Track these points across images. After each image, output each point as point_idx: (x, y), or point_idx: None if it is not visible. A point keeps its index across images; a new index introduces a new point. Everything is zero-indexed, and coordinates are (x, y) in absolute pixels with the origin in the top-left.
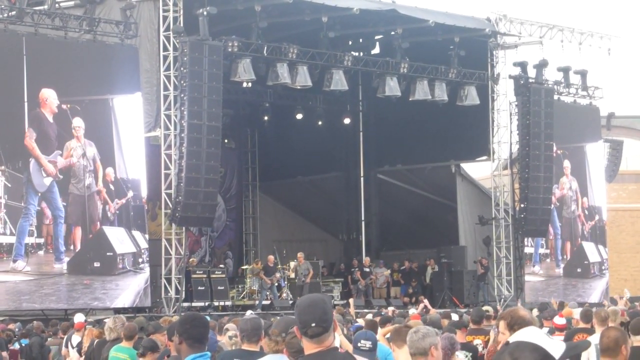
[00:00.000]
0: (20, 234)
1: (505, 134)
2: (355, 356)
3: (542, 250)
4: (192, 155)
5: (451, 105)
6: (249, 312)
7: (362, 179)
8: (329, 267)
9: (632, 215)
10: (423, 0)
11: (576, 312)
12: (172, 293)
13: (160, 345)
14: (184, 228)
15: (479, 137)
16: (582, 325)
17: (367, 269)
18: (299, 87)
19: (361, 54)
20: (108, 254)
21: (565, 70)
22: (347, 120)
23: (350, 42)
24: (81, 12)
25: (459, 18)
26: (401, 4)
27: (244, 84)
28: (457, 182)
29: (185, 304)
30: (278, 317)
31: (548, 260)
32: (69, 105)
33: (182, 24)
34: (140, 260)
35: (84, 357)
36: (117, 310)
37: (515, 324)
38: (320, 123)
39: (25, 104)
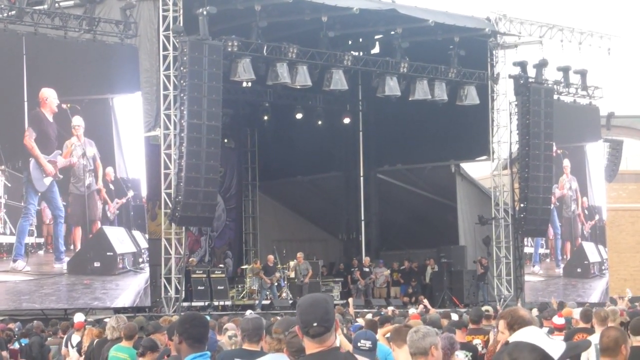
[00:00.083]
0: (20, 234)
1: (505, 134)
2: (357, 356)
3: (542, 250)
4: (191, 154)
5: (451, 105)
6: (248, 312)
7: (361, 178)
8: (329, 267)
9: (632, 215)
10: (423, 0)
11: (576, 312)
12: (172, 293)
13: (159, 344)
14: (183, 228)
15: (478, 137)
16: (581, 325)
17: (367, 269)
18: (298, 87)
19: (361, 53)
20: (108, 253)
21: (565, 70)
22: (346, 120)
23: (350, 42)
24: (81, 11)
25: (458, 18)
26: (401, 3)
27: (244, 84)
28: (457, 181)
29: (185, 304)
30: (279, 317)
31: (548, 260)
32: (68, 105)
33: (181, 24)
34: (140, 260)
35: (83, 356)
36: (117, 310)
37: (515, 323)
38: (320, 123)
39: (25, 103)
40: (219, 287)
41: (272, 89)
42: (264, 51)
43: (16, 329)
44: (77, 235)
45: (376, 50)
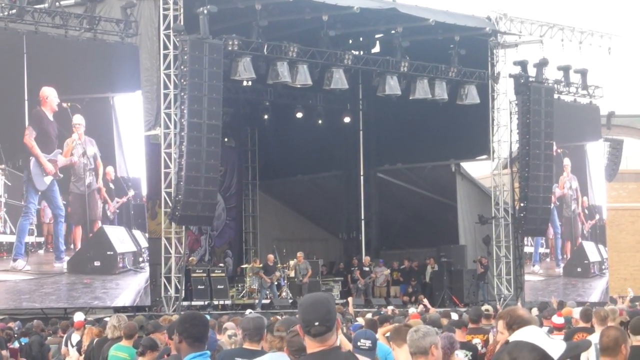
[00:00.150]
0: (21, 233)
1: (505, 133)
2: (358, 356)
3: (542, 250)
4: (192, 153)
5: (451, 104)
6: (248, 311)
7: (362, 177)
8: (329, 266)
9: (632, 214)
10: None
11: (575, 312)
12: (172, 292)
13: (159, 344)
14: (183, 227)
15: (479, 136)
16: (581, 324)
17: (367, 268)
18: (299, 86)
19: (361, 52)
20: (108, 253)
21: (566, 69)
22: (347, 119)
23: (350, 41)
24: (81, 10)
25: (459, 17)
26: (401, 2)
27: (244, 83)
28: (457, 181)
29: (185, 303)
30: (279, 317)
31: (548, 259)
32: (69, 104)
33: (182, 23)
34: (140, 259)
35: (83, 356)
36: (117, 309)
37: (514, 323)
38: (320, 122)
39: (26, 102)
40: (218, 287)
41: (273, 88)
42: (265, 50)
43: (16, 328)
44: (77, 234)
45: (376, 49)
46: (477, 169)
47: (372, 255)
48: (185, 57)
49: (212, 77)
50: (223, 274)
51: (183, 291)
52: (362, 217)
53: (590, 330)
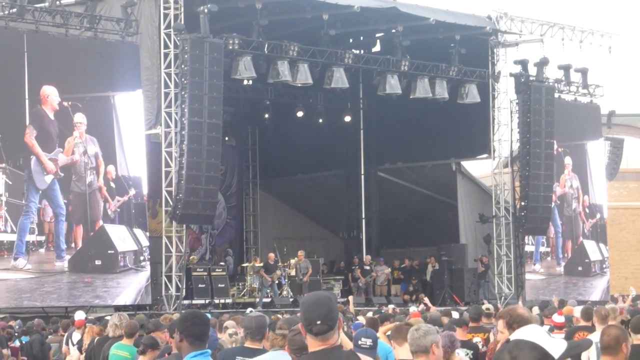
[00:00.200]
0: (21, 232)
1: (505, 132)
2: (359, 355)
3: (542, 249)
4: (192, 152)
5: (452, 103)
6: (249, 310)
7: (362, 176)
8: (330, 265)
9: (633, 213)
10: None
11: (576, 310)
12: (173, 290)
13: (160, 342)
14: (184, 226)
15: (479, 135)
16: (582, 323)
17: (368, 267)
18: (299, 85)
19: (362, 51)
20: (109, 252)
21: (566, 68)
22: (347, 118)
23: (351, 40)
24: (82, 9)
25: (459, 16)
26: (402, 1)
27: (245, 82)
28: (458, 180)
29: (186, 302)
30: (279, 315)
31: (549, 258)
32: (70, 103)
33: (182, 22)
34: (141, 258)
35: (84, 354)
36: (118, 308)
37: (513, 322)
38: (320, 121)
39: (27, 101)
40: (219, 285)
41: (273, 87)
42: (265, 49)
43: (17, 327)
44: (78, 233)
45: (377, 48)
46: (478, 167)
47: (372, 254)
48: (186, 56)
49: (213, 76)
50: (224, 273)
51: (184, 290)
52: (363, 216)
53: (591, 329)
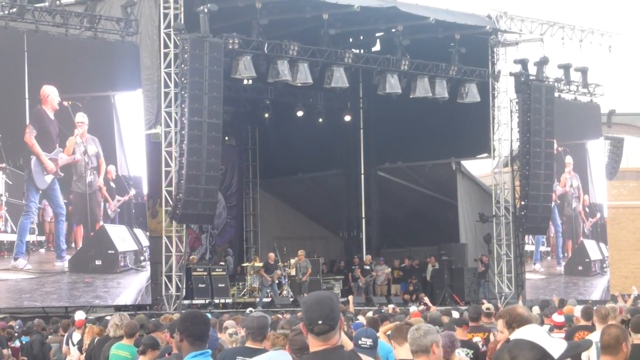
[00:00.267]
0: (22, 232)
1: (505, 132)
2: (360, 355)
3: (543, 248)
4: (192, 152)
5: (452, 102)
6: (249, 310)
7: (362, 176)
8: (330, 265)
9: (633, 212)
10: None
11: (576, 310)
12: (173, 290)
13: (160, 342)
14: (184, 225)
15: (479, 135)
16: (582, 322)
17: (368, 267)
18: (299, 85)
19: (362, 51)
20: (109, 252)
21: (566, 68)
22: (347, 118)
23: (350, 40)
24: (82, 9)
25: (459, 15)
26: (402, 1)
27: (245, 81)
28: (458, 179)
29: (186, 302)
30: (280, 315)
31: (549, 257)
32: (70, 102)
33: (182, 21)
34: (142, 258)
35: (84, 354)
36: (118, 308)
37: (513, 322)
38: (320, 120)
39: (27, 100)
40: (219, 285)
41: (273, 87)
42: (265, 49)
43: (17, 327)
44: (78, 233)
45: (377, 47)
46: (478, 167)
47: (372, 253)
48: (186, 55)
49: (213, 76)
50: (224, 273)
51: (184, 290)
52: (363, 216)
53: (591, 329)
